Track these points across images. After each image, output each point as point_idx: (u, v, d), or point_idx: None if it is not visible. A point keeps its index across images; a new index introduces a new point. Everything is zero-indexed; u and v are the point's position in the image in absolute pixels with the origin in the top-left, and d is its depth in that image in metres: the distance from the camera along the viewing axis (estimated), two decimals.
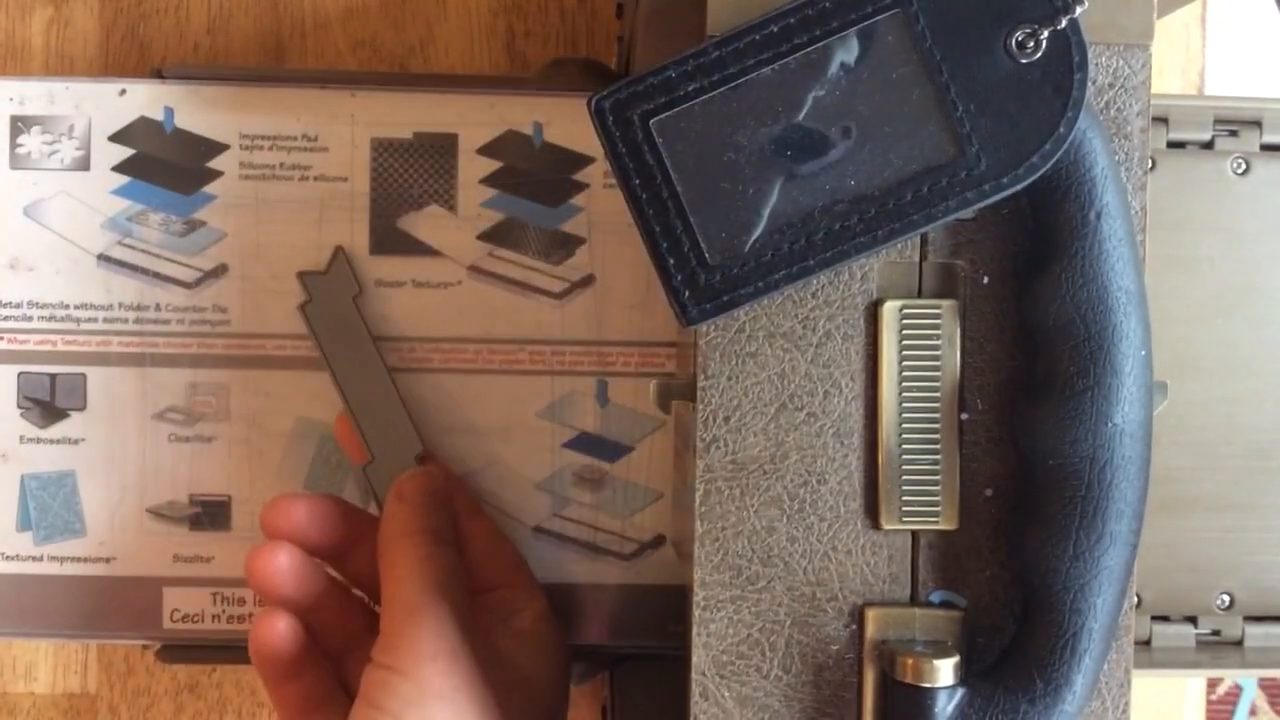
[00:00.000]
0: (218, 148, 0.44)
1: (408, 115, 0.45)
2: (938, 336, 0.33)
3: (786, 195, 0.31)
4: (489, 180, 0.45)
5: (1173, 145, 0.44)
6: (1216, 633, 0.45)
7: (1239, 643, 0.44)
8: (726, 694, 0.33)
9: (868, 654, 0.33)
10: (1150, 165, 0.34)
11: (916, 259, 0.34)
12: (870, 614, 0.33)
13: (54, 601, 0.45)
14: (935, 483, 0.33)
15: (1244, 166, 0.44)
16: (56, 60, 0.51)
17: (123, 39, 0.51)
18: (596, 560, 0.45)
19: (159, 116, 0.44)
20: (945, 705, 0.32)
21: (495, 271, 0.45)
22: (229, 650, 0.45)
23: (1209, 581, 0.45)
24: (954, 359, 0.34)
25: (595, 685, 0.49)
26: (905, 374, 0.33)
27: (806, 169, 0.31)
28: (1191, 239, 0.44)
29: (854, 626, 0.34)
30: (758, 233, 0.31)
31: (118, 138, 0.44)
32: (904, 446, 0.33)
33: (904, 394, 0.33)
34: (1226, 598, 0.44)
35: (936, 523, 0.34)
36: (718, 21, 0.33)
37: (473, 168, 0.45)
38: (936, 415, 0.33)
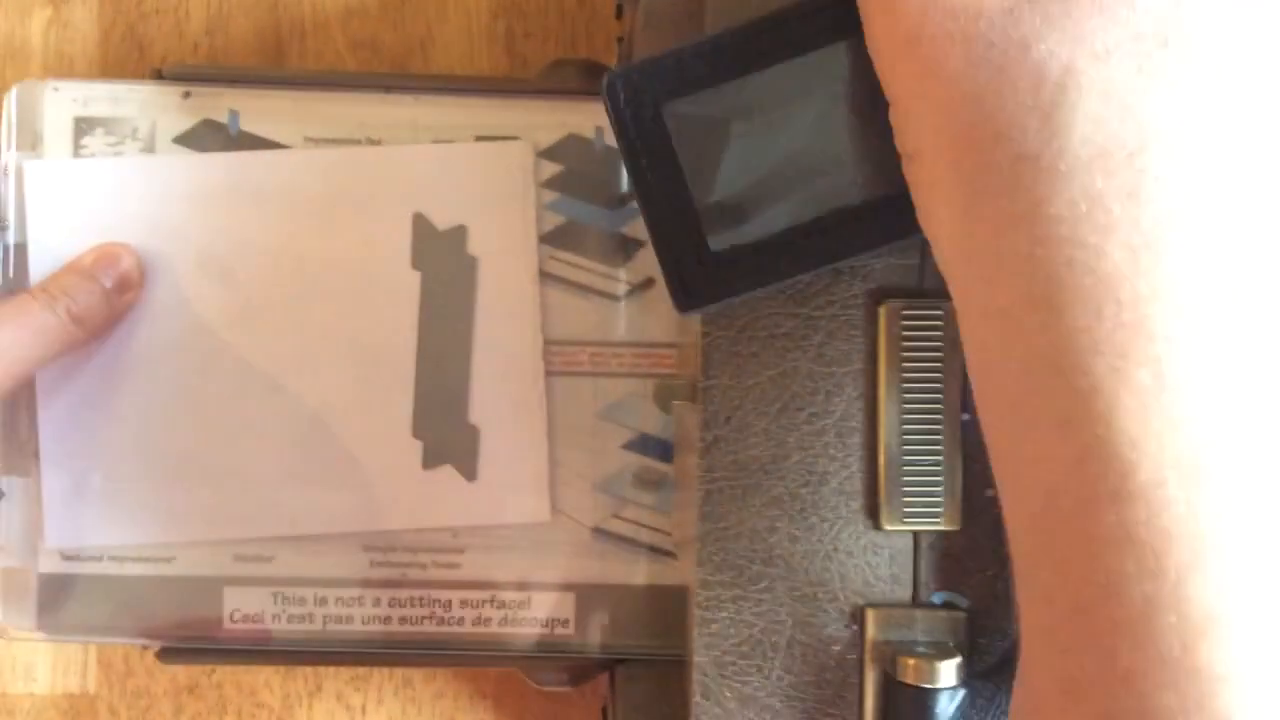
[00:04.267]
0: (281, 149, 0.45)
1: (469, 119, 0.45)
2: (940, 337, 0.33)
3: (793, 188, 0.31)
4: (550, 184, 0.45)
5: None
6: None
7: None
8: (728, 694, 0.33)
9: (869, 654, 0.33)
10: None
11: (918, 259, 0.34)
12: (872, 614, 0.33)
13: (114, 602, 0.44)
14: (937, 483, 0.33)
15: None
16: (56, 60, 0.51)
17: (122, 39, 0.51)
18: (655, 562, 0.45)
19: (224, 119, 0.45)
20: (947, 706, 0.32)
21: (556, 274, 0.45)
22: (230, 651, 0.45)
23: None
24: (956, 359, 0.34)
25: (595, 685, 0.50)
26: (907, 374, 0.33)
27: (815, 164, 0.31)
28: None
29: (855, 627, 0.34)
30: (761, 225, 0.31)
31: (182, 140, 0.44)
32: (906, 447, 0.33)
33: (905, 394, 0.33)
34: None
35: (938, 523, 0.34)
36: (717, 23, 0.33)
37: (535, 171, 0.45)
38: (938, 415, 0.33)
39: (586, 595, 0.45)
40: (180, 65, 0.48)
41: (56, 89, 0.44)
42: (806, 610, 0.34)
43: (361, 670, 0.51)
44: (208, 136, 0.44)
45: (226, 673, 0.52)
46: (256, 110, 0.45)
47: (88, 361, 0.44)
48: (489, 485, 0.45)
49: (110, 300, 0.43)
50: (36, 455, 0.44)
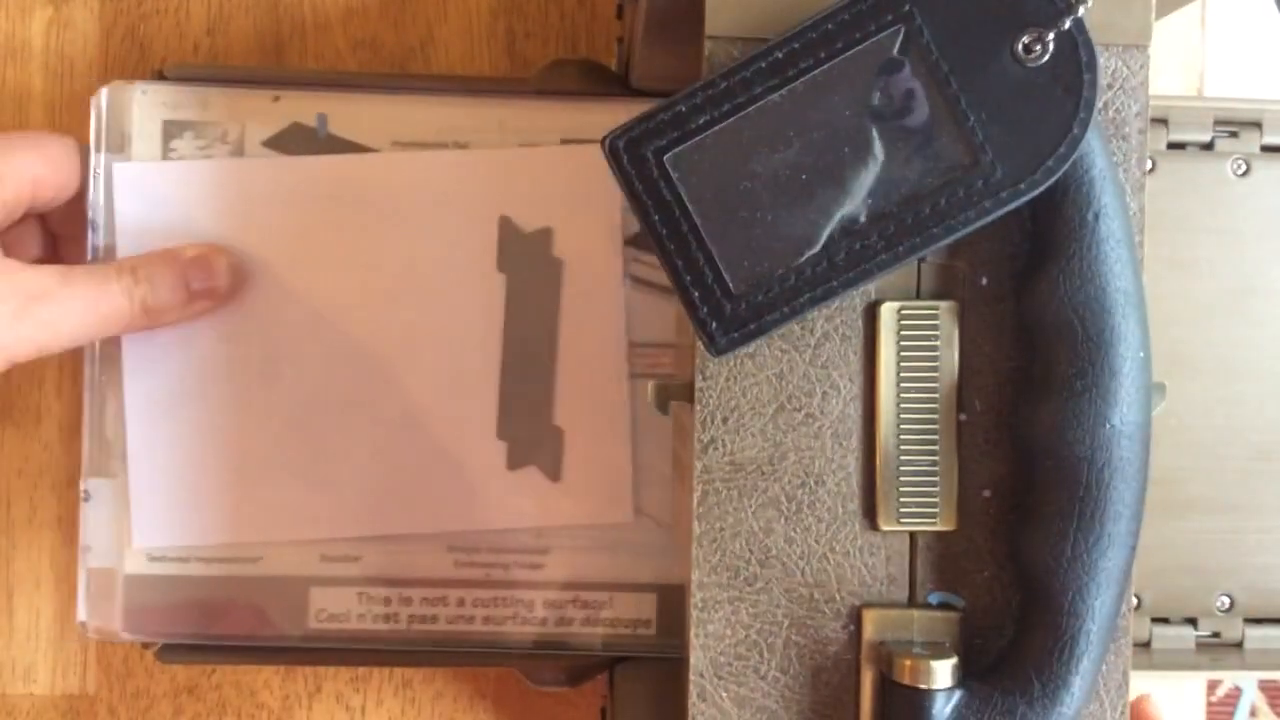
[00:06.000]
0: (369, 153, 0.45)
1: (555, 122, 0.45)
2: (936, 337, 0.33)
3: (805, 219, 0.31)
4: None
5: (1173, 146, 0.44)
6: (1216, 634, 0.44)
7: (1239, 644, 0.44)
8: (724, 695, 0.33)
9: (865, 655, 0.33)
10: (1150, 166, 0.34)
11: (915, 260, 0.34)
12: (868, 615, 0.33)
13: (200, 602, 0.45)
14: (933, 484, 0.33)
15: (1244, 168, 0.44)
16: (56, 60, 0.51)
17: (122, 39, 0.51)
18: None
19: (312, 122, 0.45)
20: (943, 707, 0.32)
21: (640, 276, 0.45)
22: (231, 651, 0.45)
23: (1209, 583, 0.44)
24: (952, 360, 0.33)
25: (595, 685, 0.49)
26: (903, 375, 0.33)
27: (823, 191, 0.31)
28: (1191, 240, 0.44)
29: (852, 628, 0.34)
30: (779, 258, 0.31)
31: (271, 143, 0.44)
32: (902, 447, 0.33)
33: (902, 395, 0.33)
34: (1226, 599, 0.44)
35: (934, 524, 0.33)
36: (717, 22, 0.33)
37: None
38: (935, 416, 0.33)
39: (668, 596, 0.45)
40: (181, 65, 0.48)
41: (145, 92, 0.44)
42: (803, 611, 0.34)
43: (361, 670, 0.51)
44: (296, 140, 0.45)
45: (226, 673, 0.52)
46: (344, 114, 0.45)
47: (175, 362, 0.44)
48: (573, 486, 0.45)
49: (189, 303, 0.43)
50: (123, 457, 0.44)
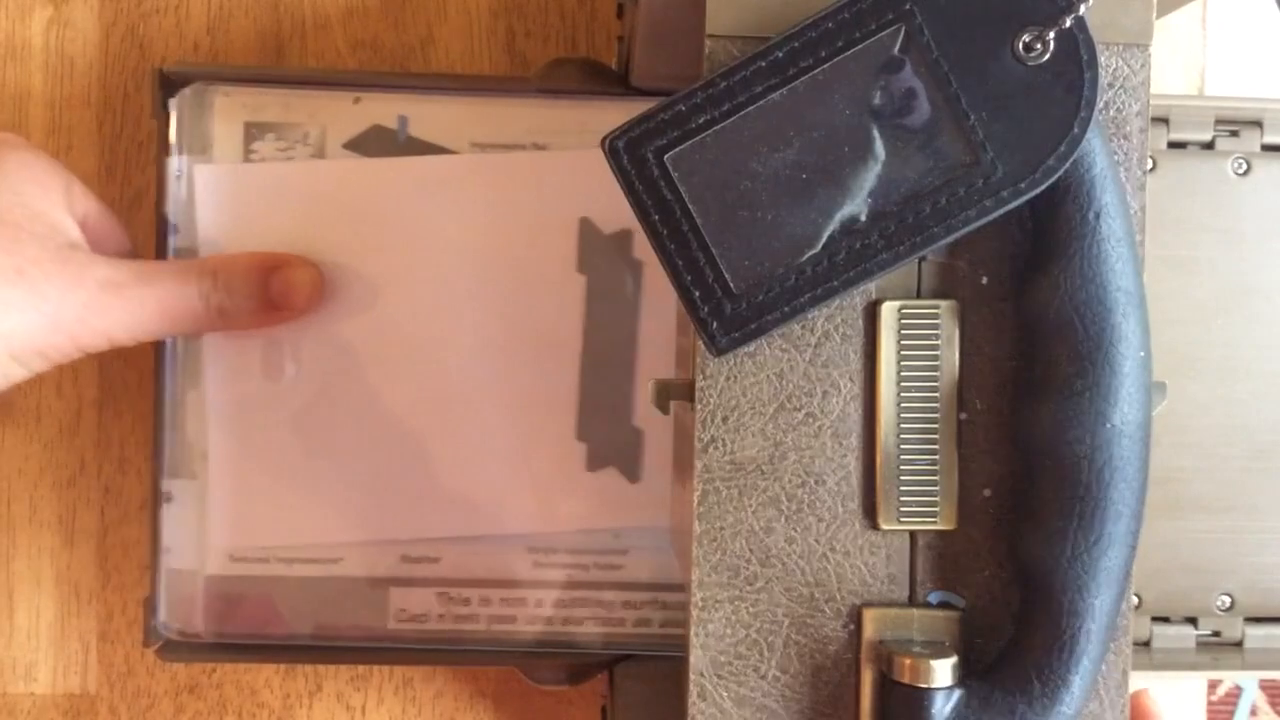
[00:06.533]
0: (449, 155, 0.45)
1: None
2: (936, 337, 0.33)
3: (805, 218, 0.31)
4: None
5: (1173, 145, 0.44)
6: (1216, 634, 0.44)
7: (1239, 644, 0.44)
8: (724, 694, 0.33)
9: (866, 654, 0.33)
10: (1151, 165, 0.34)
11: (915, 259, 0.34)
12: (868, 614, 0.33)
13: (280, 603, 0.45)
14: (934, 483, 0.33)
15: (1245, 167, 0.44)
16: (56, 60, 0.51)
17: (122, 39, 0.51)
18: None
19: (393, 125, 0.45)
20: (943, 706, 0.32)
21: None
22: (231, 650, 0.45)
23: (1209, 582, 0.44)
24: (952, 359, 0.33)
25: (595, 685, 0.49)
26: (904, 374, 0.33)
27: (823, 191, 0.31)
28: (1192, 239, 0.44)
29: (852, 627, 0.34)
30: (780, 258, 0.31)
31: (352, 145, 0.45)
32: (902, 447, 0.33)
33: (902, 394, 0.33)
34: (1227, 599, 0.44)
35: (935, 523, 0.33)
36: (717, 21, 0.33)
37: None
38: (935, 415, 0.33)
39: None
40: (181, 65, 0.48)
41: (227, 94, 0.44)
42: (803, 610, 0.34)
43: (361, 670, 0.51)
44: (376, 142, 0.45)
45: (227, 672, 0.52)
46: (425, 115, 0.45)
47: (256, 364, 0.44)
48: (652, 487, 0.45)
49: (264, 314, 0.43)
50: (204, 458, 0.44)
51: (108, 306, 0.39)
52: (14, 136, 0.42)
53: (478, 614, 0.45)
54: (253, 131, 0.44)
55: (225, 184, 0.44)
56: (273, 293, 0.43)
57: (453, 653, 0.46)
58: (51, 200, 0.40)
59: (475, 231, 0.44)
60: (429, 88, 0.45)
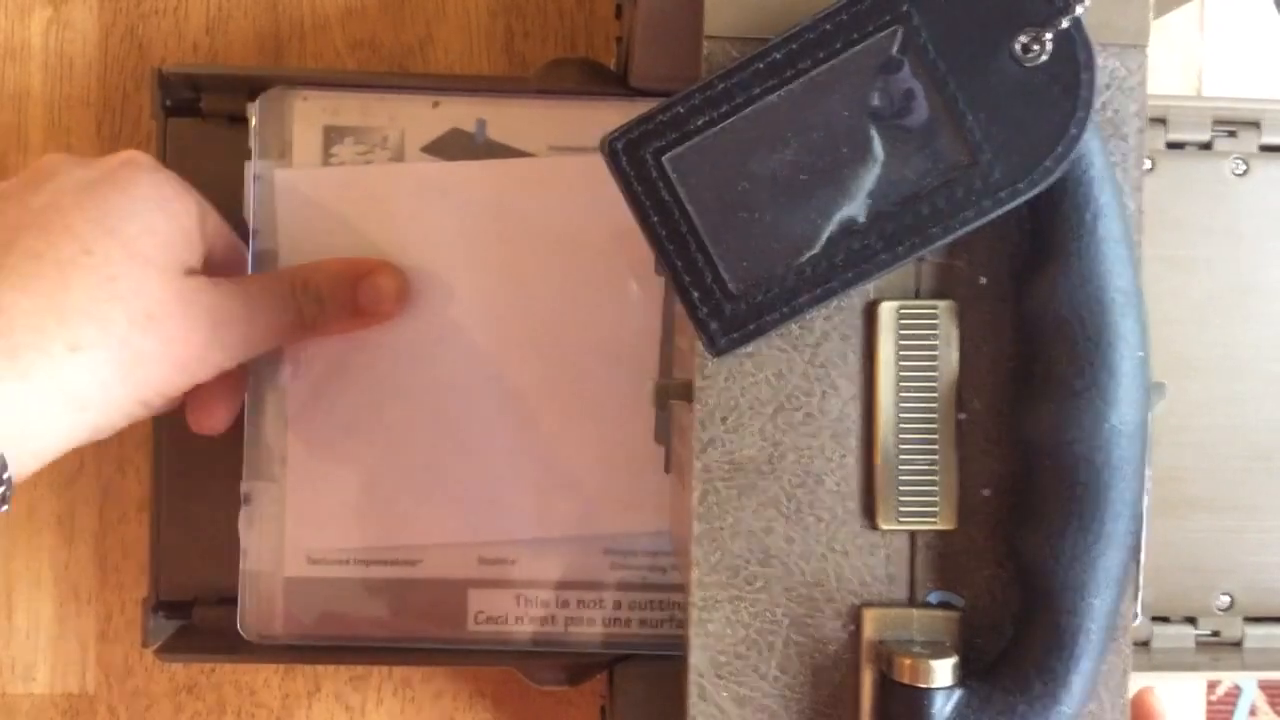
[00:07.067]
0: (527, 158, 0.45)
1: None
2: (935, 337, 0.33)
3: (804, 219, 0.31)
4: None
5: (1172, 146, 0.44)
6: (1216, 633, 0.45)
7: (1238, 644, 0.44)
8: (724, 694, 0.33)
9: (865, 654, 0.33)
10: (1149, 166, 0.34)
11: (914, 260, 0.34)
12: (868, 614, 0.33)
13: (359, 605, 0.45)
14: (933, 483, 0.33)
15: (1243, 167, 0.44)
16: (56, 60, 0.51)
17: (122, 39, 0.51)
18: None
19: (471, 128, 0.45)
20: (943, 706, 0.32)
21: None
22: (230, 649, 0.45)
23: (1209, 582, 0.45)
24: (951, 359, 0.33)
25: (595, 685, 0.49)
26: (903, 374, 0.33)
27: (821, 192, 0.31)
28: (1190, 240, 0.44)
29: (852, 627, 0.34)
30: (778, 259, 0.31)
31: (431, 149, 0.45)
32: (902, 447, 0.33)
33: (901, 394, 0.33)
34: (1226, 598, 0.44)
35: (934, 523, 0.33)
36: (716, 22, 0.33)
37: None
38: (934, 415, 0.33)
39: None
40: (181, 65, 0.48)
41: (306, 98, 0.44)
42: (803, 610, 0.34)
43: (360, 670, 0.51)
44: (455, 145, 0.45)
45: (226, 672, 0.52)
46: (503, 119, 0.45)
47: (336, 367, 0.44)
48: None
49: (354, 320, 0.43)
50: (283, 461, 0.44)
51: (223, 342, 0.39)
52: (143, 156, 0.40)
53: (555, 615, 0.45)
54: (332, 135, 0.45)
55: (305, 188, 0.44)
56: (361, 300, 0.43)
57: (453, 653, 0.46)
58: (181, 227, 0.39)
59: (554, 233, 0.44)
60: (507, 91, 0.46)
